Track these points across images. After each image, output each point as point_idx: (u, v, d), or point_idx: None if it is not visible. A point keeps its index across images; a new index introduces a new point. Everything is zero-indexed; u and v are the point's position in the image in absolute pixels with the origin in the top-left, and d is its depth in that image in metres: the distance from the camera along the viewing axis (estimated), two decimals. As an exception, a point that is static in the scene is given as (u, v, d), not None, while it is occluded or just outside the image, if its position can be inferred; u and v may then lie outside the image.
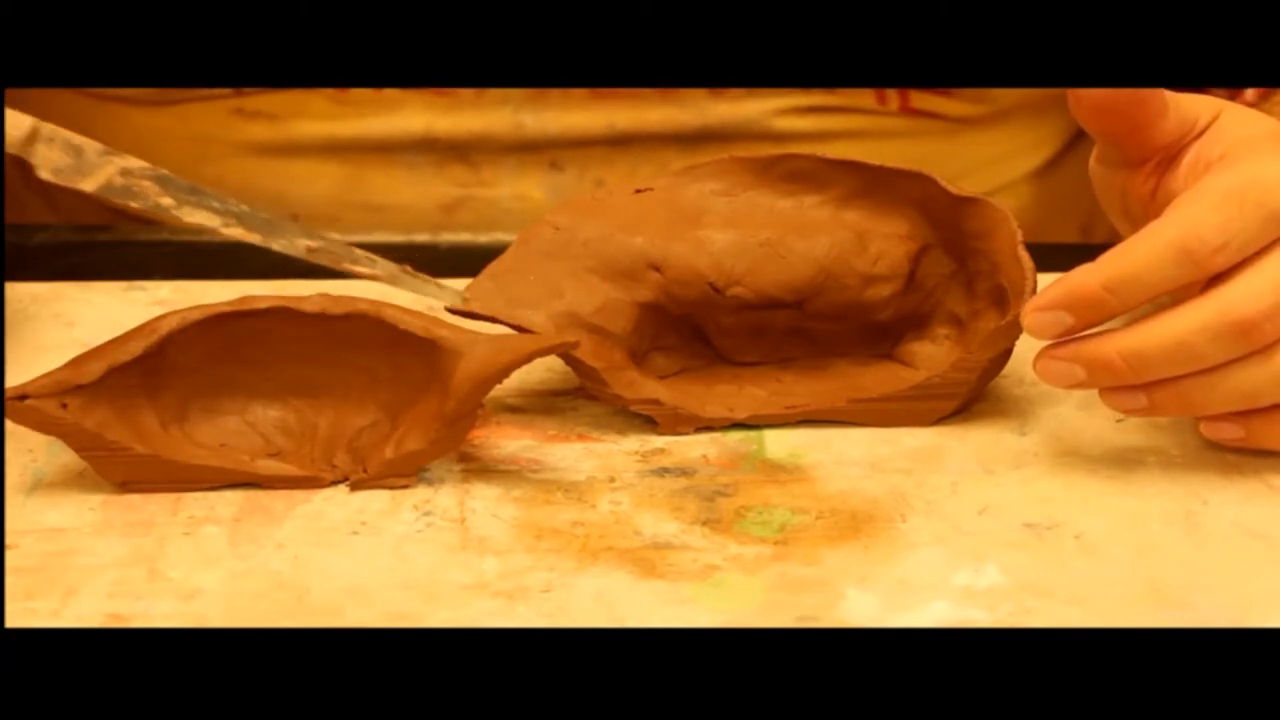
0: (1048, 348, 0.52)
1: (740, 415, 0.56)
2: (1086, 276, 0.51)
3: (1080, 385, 0.52)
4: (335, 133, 0.76)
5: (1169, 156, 0.55)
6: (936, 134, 0.78)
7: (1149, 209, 0.55)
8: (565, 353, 0.53)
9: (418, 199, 0.77)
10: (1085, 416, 0.57)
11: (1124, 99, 0.53)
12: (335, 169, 0.77)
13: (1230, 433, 0.53)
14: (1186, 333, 0.50)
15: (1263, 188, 0.50)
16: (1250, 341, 0.50)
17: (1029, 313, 0.52)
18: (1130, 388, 0.52)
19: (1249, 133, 0.54)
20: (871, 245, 0.57)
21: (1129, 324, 0.51)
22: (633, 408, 0.56)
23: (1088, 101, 0.53)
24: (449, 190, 0.77)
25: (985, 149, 0.80)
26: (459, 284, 0.56)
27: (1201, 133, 0.54)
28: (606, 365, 0.55)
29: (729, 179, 0.58)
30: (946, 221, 0.57)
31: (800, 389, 0.58)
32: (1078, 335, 0.52)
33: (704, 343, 0.59)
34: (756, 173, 0.58)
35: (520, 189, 0.77)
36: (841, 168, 0.58)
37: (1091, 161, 0.59)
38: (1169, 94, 0.54)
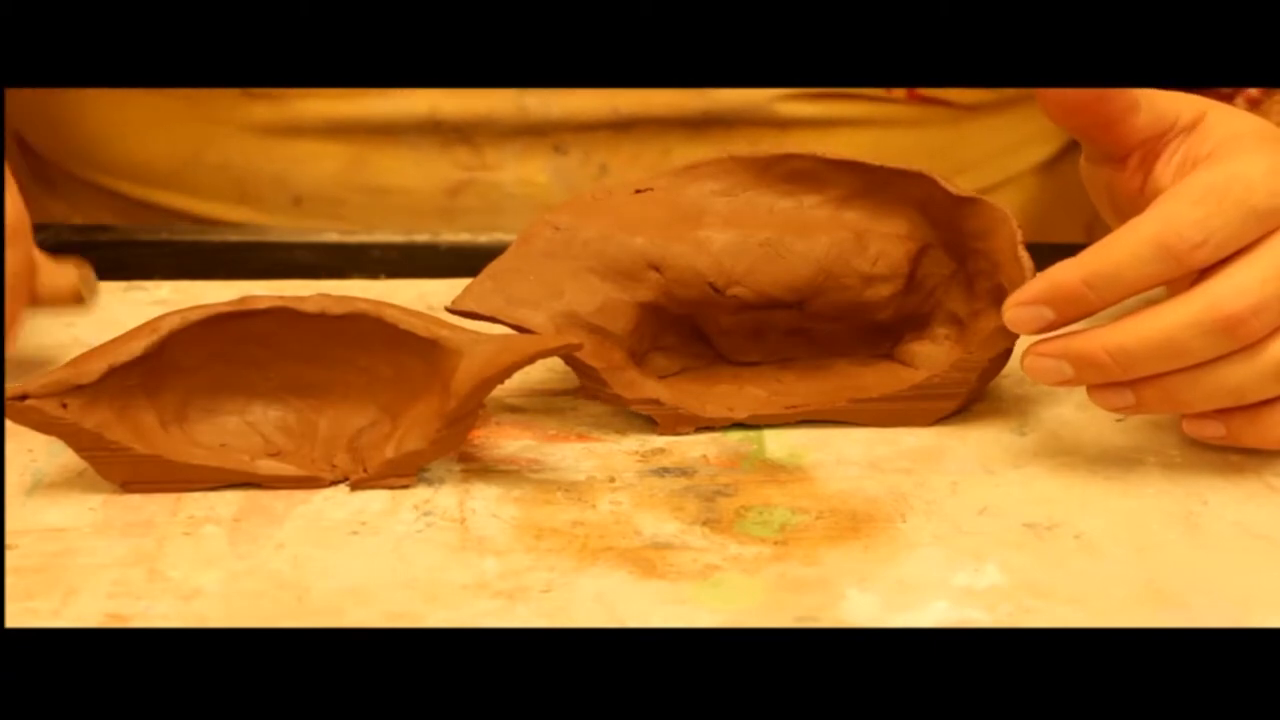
0: (1035, 344, 0.52)
1: (740, 415, 0.56)
2: (1067, 272, 0.51)
3: (1068, 382, 0.52)
4: (339, 113, 0.76)
5: (1151, 152, 0.55)
6: (943, 122, 0.78)
7: (1136, 204, 0.55)
8: (566, 354, 0.53)
9: (421, 182, 0.77)
10: (1085, 416, 0.57)
11: (1089, 97, 0.53)
12: (339, 150, 0.77)
13: (1212, 430, 0.53)
14: (1173, 329, 0.50)
15: (1245, 184, 0.50)
16: (1237, 337, 0.50)
17: (1010, 307, 0.52)
18: (1117, 385, 0.52)
19: (1236, 130, 0.54)
20: (871, 245, 0.57)
21: (1116, 320, 0.51)
22: (633, 408, 0.56)
23: (1054, 100, 0.54)
24: (453, 173, 0.77)
25: (993, 137, 0.80)
26: (459, 284, 0.56)
27: (1185, 130, 0.54)
28: (606, 365, 0.55)
29: (729, 179, 0.58)
30: (946, 221, 0.57)
31: (800, 389, 0.58)
32: (1065, 331, 0.52)
33: (704, 343, 0.59)
34: (756, 173, 0.58)
35: (524, 173, 0.77)
36: (841, 168, 0.58)
37: (1081, 159, 0.60)
38: (1143, 91, 0.54)
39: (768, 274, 0.57)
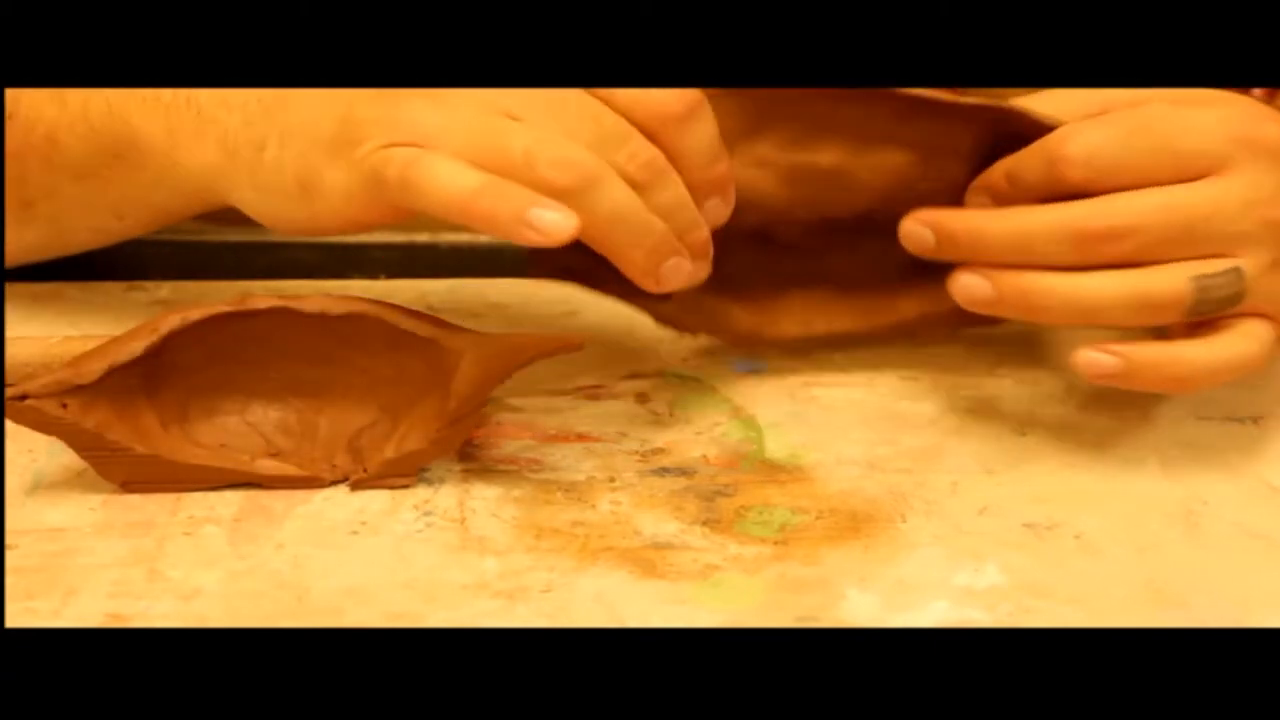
0: (911, 216, 0.55)
1: (819, 330, 0.59)
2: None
3: (930, 252, 0.54)
4: None
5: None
6: None
7: None
8: (566, 353, 0.53)
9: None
10: (1085, 417, 0.57)
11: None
12: None
13: (1109, 366, 0.51)
14: (1027, 224, 0.51)
15: (1170, 122, 0.52)
16: (1085, 251, 0.50)
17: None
18: (977, 272, 0.52)
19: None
20: (932, 163, 0.56)
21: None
22: (708, 334, 0.58)
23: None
24: None
25: None
26: (459, 284, 0.56)
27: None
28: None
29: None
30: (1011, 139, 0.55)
31: (844, 310, 0.60)
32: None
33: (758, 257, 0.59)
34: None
35: None
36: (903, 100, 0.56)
37: None
38: None
39: (831, 197, 0.57)
